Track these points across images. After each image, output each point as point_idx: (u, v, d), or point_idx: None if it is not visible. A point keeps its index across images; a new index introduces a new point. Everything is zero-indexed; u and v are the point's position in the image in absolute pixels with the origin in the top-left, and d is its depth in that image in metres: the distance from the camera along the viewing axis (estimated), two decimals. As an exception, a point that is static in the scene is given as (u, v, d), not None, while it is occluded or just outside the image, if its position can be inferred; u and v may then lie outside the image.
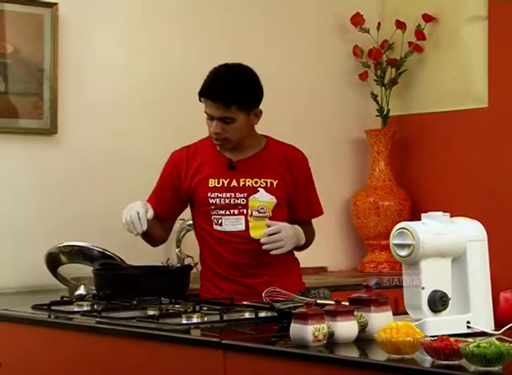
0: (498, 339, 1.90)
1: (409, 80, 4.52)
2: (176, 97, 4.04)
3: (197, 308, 2.63)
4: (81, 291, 3.16)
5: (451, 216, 2.35)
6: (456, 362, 1.85)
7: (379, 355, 1.98)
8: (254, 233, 3.01)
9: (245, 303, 2.74)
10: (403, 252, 2.24)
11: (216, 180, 3.05)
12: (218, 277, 3.07)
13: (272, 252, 2.94)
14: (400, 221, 2.39)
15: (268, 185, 3.05)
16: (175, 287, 2.93)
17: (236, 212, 3.02)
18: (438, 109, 4.43)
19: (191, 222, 3.89)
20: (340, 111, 4.55)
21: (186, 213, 3.90)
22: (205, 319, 2.51)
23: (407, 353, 1.95)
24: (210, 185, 3.05)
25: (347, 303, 2.21)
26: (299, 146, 4.40)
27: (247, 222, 3.02)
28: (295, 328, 2.11)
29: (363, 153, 4.59)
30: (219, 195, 3.03)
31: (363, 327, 2.16)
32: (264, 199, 3.04)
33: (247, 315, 2.58)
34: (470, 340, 1.89)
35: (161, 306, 2.67)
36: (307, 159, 3.19)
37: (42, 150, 3.72)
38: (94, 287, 3.02)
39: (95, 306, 2.80)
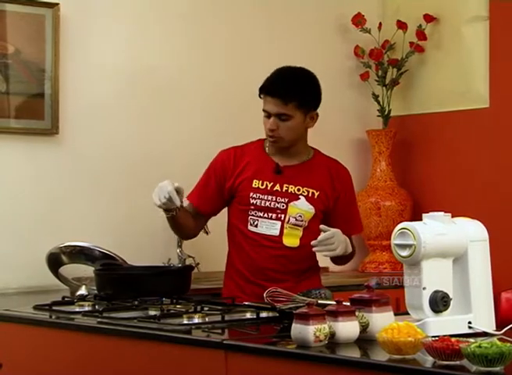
0: (499, 339, 1.90)
1: (410, 80, 4.52)
2: (178, 97, 4.05)
3: (199, 308, 2.63)
4: (82, 291, 3.15)
5: (452, 216, 2.34)
6: (458, 362, 1.85)
7: (381, 356, 1.98)
8: (287, 241, 3.05)
9: (246, 303, 2.74)
10: (405, 252, 2.24)
11: (260, 182, 3.07)
12: (243, 280, 3.08)
13: (323, 254, 2.96)
14: (401, 221, 2.40)
15: (310, 195, 3.07)
16: (176, 288, 2.92)
17: (273, 216, 3.04)
18: (439, 110, 4.43)
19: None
20: (341, 111, 4.55)
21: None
22: (206, 319, 2.50)
23: (408, 353, 1.95)
24: (253, 185, 3.07)
25: (349, 303, 2.21)
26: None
27: (282, 228, 3.04)
28: (296, 328, 2.11)
29: (364, 153, 4.59)
30: (261, 197, 3.05)
31: (364, 327, 2.16)
32: (303, 208, 3.05)
33: (248, 315, 2.58)
34: (471, 340, 1.88)
35: (162, 306, 2.66)
36: (351, 176, 3.22)
37: (43, 150, 3.71)
38: (95, 288, 3.01)
39: (96, 306, 2.79)
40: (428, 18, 4.40)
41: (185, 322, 2.49)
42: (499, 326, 2.25)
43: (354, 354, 2.10)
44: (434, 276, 2.23)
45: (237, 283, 3.09)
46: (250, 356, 2.17)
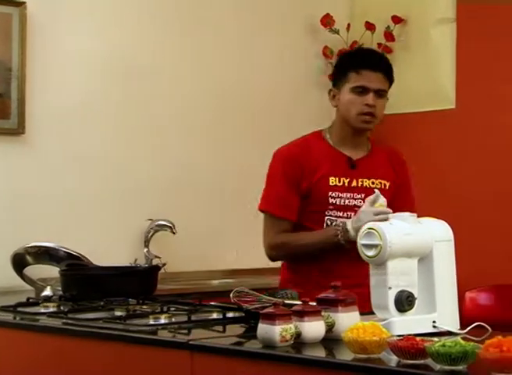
0: (463, 338, 1.91)
1: (378, 81, 4.53)
2: (143, 96, 4.03)
3: (165, 308, 2.62)
4: (47, 292, 3.12)
5: (418, 217, 2.36)
6: (422, 361, 1.86)
7: (346, 355, 1.98)
8: None
9: (213, 304, 2.73)
10: (371, 252, 2.25)
11: (337, 179, 2.85)
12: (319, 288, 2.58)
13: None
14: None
15: (383, 187, 2.88)
16: (142, 288, 2.91)
17: (352, 214, 2.80)
18: (406, 110, 4.45)
19: (161, 222, 3.89)
20: (309, 111, 4.56)
21: (154, 214, 3.89)
22: (173, 319, 2.49)
23: (373, 353, 1.95)
24: (331, 183, 2.84)
25: (315, 303, 2.21)
26: (267, 146, 4.41)
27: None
28: (262, 328, 2.10)
29: (332, 154, 4.60)
30: (340, 195, 2.83)
31: (330, 327, 2.16)
32: (378, 201, 2.79)
33: (214, 315, 2.57)
34: (435, 339, 1.89)
35: (128, 307, 2.65)
36: None
37: (9, 150, 3.69)
38: (60, 288, 2.99)
39: (61, 307, 2.77)
40: (396, 19, 4.42)
41: (151, 322, 2.47)
42: (463, 326, 2.27)
43: (320, 353, 2.10)
44: (399, 275, 2.24)
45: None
46: (215, 356, 2.16)
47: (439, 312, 2.25)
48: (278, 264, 4.30)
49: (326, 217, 2.81)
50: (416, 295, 2.24)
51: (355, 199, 2.83)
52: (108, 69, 3.93)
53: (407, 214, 2.33)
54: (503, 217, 4.12)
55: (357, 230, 2.55)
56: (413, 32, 4.44)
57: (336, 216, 2.82)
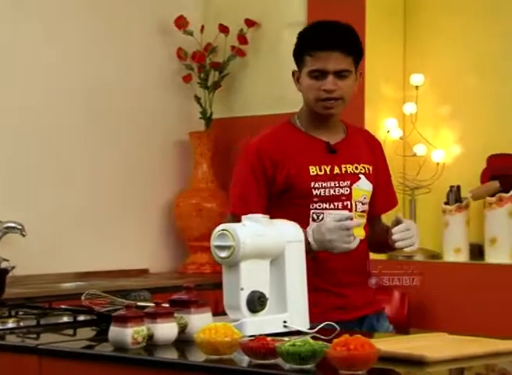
0: (312, 337, 1.95)
1: (232, 83, 4.59)
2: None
3: (13, 312, 2.55)
4: None
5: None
6: (273, 361, 1.89)
7: (198, 356, 1.99)
8: (356, 232, 2.49)
9: (63, 307, 2.68)
10: (224, 254, 2.26)
11: (317, 167, 2.57)
12: (309, 288, 2.39)
13: (406, 249, 2.54)
14: (222, 223, 2.40)
15: (367, 171, 2.63)
16: (-11, 292, 2.82)
17: (339, 205, 2.56)
18: (259, 113, 4.51)
19: (9, 224, 3.78)
20: (164, 113, 4.55)
21: (2, 215, 3.78)
22: (21, 324, 2.44)
23: (225, 353, 1.97)
24: (311, 173, 2.57)
25: (168, 305, 2.21)
26: (121, 148, 4.38)
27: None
28: (114, 331, 2.09)
29: (186, 155, 4.61)
30: (323, 185, 2.56)
31: (183, 329, 2.17)
32: (365, 188, 2.61)
33: (65, 319, 2.53)
34: (286, 339, 1.93)
35: (-27, 312, 2.57)
36: None
37: None
38: None
39: None
40: (249, 22, 4.47)
41: (-2, 327, 2.41)
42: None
43: (172, 355, 2.11)
44: (252, 276, 2.27)
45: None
46: (65, 361, 2.13)
47: (290, 312, 2.29)
48: (130, 266, 4.27)
49: (311, 211, 2.56)
50: (268, 296, 2.27)
51: (341, 187, 2.58)
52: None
53: (259, 216, 2.35)
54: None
55: (320, 242, 2.45)
56: (265, 35, 4.51)
57: (322, 209, 2.56)
